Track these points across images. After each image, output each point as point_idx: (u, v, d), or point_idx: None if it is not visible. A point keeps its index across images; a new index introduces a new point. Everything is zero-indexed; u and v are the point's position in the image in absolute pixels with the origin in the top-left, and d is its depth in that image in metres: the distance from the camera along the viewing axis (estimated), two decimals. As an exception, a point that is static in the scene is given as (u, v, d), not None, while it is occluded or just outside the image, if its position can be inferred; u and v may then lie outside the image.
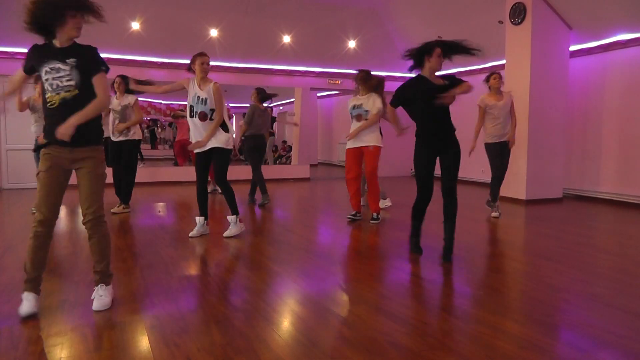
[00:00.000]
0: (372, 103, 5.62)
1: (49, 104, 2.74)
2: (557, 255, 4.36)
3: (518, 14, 7.64)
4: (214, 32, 9.65)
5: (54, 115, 2.74)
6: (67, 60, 2.71)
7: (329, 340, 2.50)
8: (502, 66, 8.55)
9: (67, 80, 2.71)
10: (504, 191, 8.01)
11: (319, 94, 14.99)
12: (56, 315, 2.78)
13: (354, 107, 5.74)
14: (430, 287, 3.45)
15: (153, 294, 3.18)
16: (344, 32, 10.69)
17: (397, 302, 3.10)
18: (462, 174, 10.74)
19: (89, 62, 2.78)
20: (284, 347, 2.43)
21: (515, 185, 7.81)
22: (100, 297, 2.89)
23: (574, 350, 2.41)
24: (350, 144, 5.75)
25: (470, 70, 10.55)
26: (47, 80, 2.71)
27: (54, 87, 2.71)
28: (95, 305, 2.85)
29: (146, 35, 9.18)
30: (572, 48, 8.02)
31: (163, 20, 9.22)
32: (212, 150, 4.72)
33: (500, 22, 8.39)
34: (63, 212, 6.35)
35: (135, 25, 9.05)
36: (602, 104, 7.84)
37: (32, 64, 2.78)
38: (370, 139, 5.64)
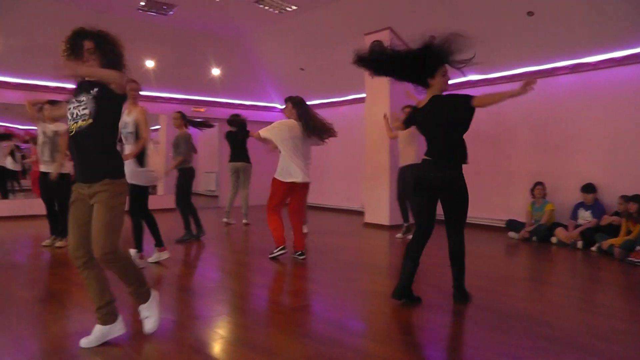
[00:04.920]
0: None
1: (70, 134, 2.80)
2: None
3: (376, 50, 8.23)
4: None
5: (71, 145, 2.81)
6: (91, 91, 2.78)
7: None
8: (363, 99, 9.08)
9: (83, 109, 2.76)
10: (372, 218, 8.43)
11: (183, 121, 14.71)
12: None
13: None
14: (293, 314, 3.57)
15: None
16: (207, 60, 10.70)
17: (261, 333, 3.17)
18: (328, 201, 11.20)
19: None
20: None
21: (380, 212, 8.34)
22: (147, 318, 2.97)
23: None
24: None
25: (332, 102, 11.09)
26: (69, 110, 2.81)
27: (73, 116, 2.78)
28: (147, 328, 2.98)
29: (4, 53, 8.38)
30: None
31: (22, 38, 8.49)
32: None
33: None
34: None
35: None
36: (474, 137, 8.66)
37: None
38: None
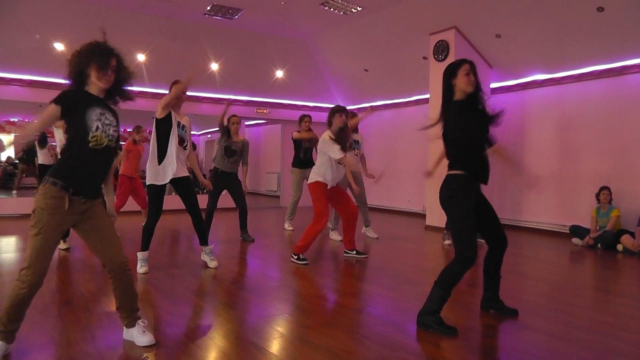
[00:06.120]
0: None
1: (92, 144, 2.61)
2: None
3: (441, 51, 8.12)
4: (141, 57, 9.48)
5: (93, 158, 2.65)
6: (113, 113, 2.78)
7: (253, 375, 2.48)
8: (427, 100, 8.99)
9: (114, 131, 2.74)
10: (434, 221, 8.30)
11: (247, 123, 15.01)
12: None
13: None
14: (354, 315, 3.52)
15: (70, 332, 3.04)
16: (272, 62, 10.85)
17: (322, 333, 3.14)
18: (390, 203, 11.14)
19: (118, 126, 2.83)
20: (207, 383, 2.39)
21: (442, 215, 8.11)
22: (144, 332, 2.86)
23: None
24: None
25: (396, 104, 11.00)
26: (99, 120, 2.64)
27: (106, 132, 2.68)
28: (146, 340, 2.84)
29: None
30: (493, 85, 8.60)
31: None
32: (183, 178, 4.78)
33: (425, 58, 8.85)
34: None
35: (60, 47, 8.69)
36: (521, 138, 8.40)
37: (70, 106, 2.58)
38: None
